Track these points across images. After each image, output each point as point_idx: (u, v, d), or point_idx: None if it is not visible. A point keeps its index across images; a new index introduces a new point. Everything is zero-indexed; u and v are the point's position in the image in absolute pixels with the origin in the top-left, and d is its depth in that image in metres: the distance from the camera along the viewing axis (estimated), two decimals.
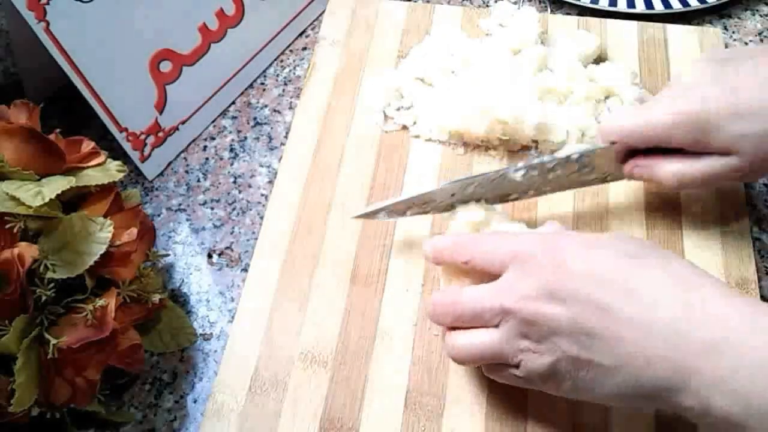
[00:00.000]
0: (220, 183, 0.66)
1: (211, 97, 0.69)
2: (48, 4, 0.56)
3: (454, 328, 0.47)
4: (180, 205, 0.65)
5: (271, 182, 0.65)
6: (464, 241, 0.48)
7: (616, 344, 0.41)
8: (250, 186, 0.65)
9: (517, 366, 0.45)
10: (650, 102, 0.54)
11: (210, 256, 0.62)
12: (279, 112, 0.70)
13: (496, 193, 0.55)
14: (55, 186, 0.48)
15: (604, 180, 0.57)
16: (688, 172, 0.52)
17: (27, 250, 0.46)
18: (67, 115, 0.67)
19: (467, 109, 0.62)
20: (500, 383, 0.48)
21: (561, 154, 0.55)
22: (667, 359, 0.39)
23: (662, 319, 0.40)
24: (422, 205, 0.55)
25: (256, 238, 0.60)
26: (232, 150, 0.68)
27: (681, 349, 0.39)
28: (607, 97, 0.64)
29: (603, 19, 0.71)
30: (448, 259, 0.49)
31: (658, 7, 0.73)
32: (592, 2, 0.74)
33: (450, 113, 0.63)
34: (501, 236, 0.48)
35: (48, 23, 0.56)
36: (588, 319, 0.41)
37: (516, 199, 0.57)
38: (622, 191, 0.61)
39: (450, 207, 0.55)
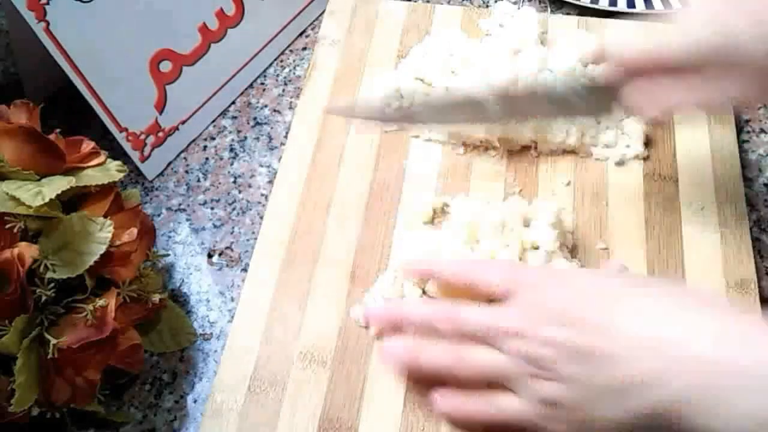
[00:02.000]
0: (220, 183, 0.66)
1: (211, 97, 0.69)
2: (48, 4, 0.56)
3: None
4: (180, 205, 0.65)
5: (271, 182, 0.65)
6: (467, 265, 0.47)
7: (627, 363, 0.39)
8: (250, 186, 0.65)
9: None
10: (659, 28, 0.49)
11: (210, 256, 0.62)
12: (279, 112, 0.70)
13: (476, 112, 0.53)
14: (55, 186, 0.48)
15: (590, 112, 0.53)
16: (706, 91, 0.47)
17: (27, 250, 0.46)
18: (67, 115, 0.67)
19: None
20: None
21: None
22: (680, 377, 0.38)
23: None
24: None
25: (256, 238, 0.60)
26: (232, 150, 0.68)
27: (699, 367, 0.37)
28: None
29: (603, 19, 0.71)
30: (449, 278, 0.47)
31: (658, 7, 0.73)
32: (592, 2, 0.74)
33: None
34: (500, 264, 0.47)
35: (48, 23, 0.56)
36: (590, 340, 0.40)
37: (494, 121, 0.53)
38: (621, 192, 0.61)
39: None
